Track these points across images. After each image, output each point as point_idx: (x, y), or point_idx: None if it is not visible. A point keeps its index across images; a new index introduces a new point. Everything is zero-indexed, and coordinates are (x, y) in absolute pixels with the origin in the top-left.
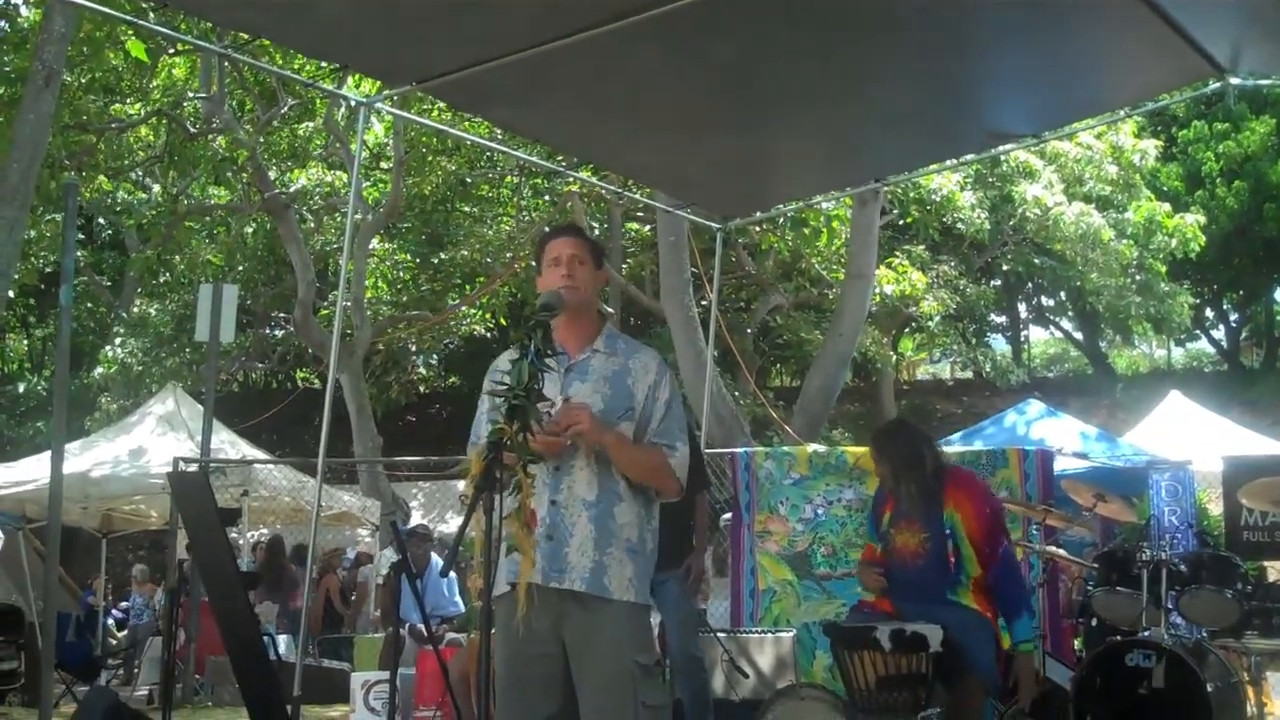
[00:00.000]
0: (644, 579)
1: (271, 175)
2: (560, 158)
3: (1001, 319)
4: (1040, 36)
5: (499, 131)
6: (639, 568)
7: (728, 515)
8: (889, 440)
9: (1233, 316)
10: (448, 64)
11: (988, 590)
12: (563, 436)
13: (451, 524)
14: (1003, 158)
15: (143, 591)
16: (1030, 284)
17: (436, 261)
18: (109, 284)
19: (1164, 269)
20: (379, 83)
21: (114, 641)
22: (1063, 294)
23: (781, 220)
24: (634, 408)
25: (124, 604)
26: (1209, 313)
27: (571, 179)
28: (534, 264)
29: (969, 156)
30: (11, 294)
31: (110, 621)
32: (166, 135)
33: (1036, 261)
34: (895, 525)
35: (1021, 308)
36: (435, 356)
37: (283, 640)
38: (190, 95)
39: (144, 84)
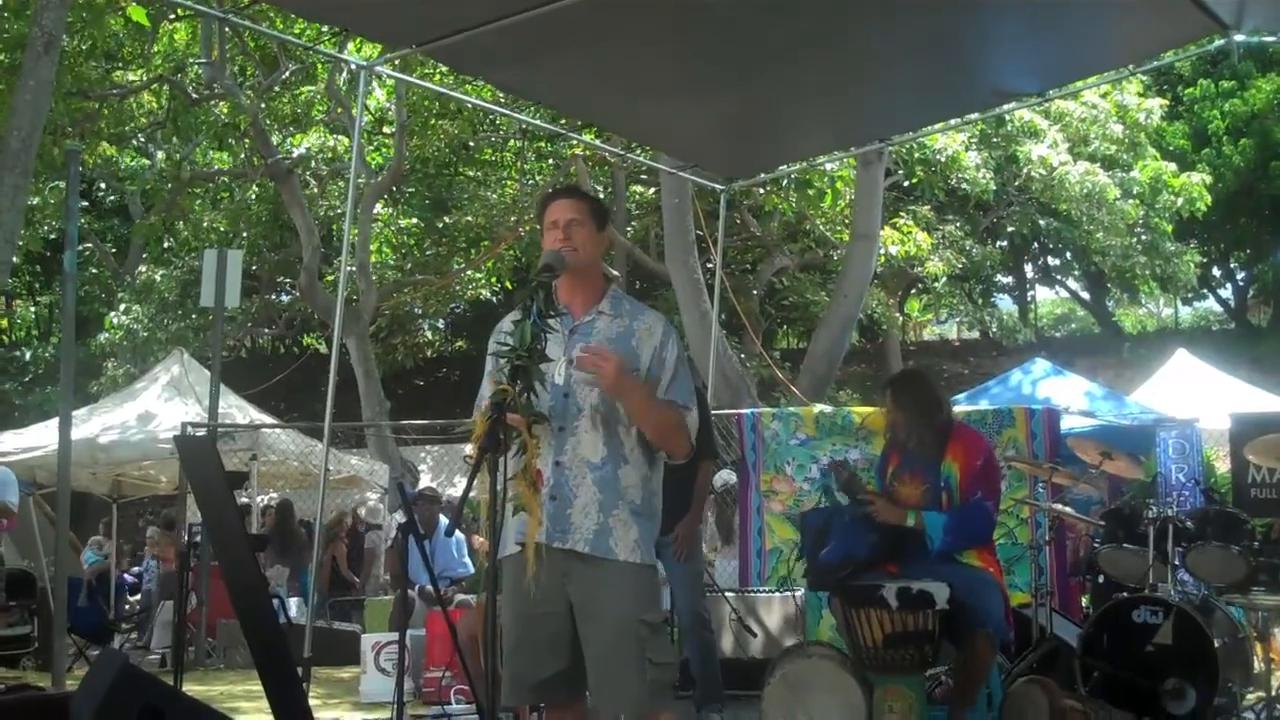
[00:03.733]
0: (649, 540)
1: (274, 140)
2: (563, 120)
3: (1008, 279)
4: None
5: (501, 95)
6: (644, 529)
7: (725, 473)
8: (903, 388)
9: (1240, 275)
10: (448, 26)
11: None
12: (587, 370)
13: (460, 486)
14: (1007, 117)
15: (155, 555)
16: (1036, 244)
17: (441, 226)
18: (114, 251)
19: (1170, 228)
20: (380, 46)
21: (126, 606)
22: (1069, 254)
23: (785, 181)
24: (639, 370)
25: (136, 568)
26: (1216, 271)
27: (575, 142)
28: (538, 226)
29: (974, 115)
30: (17, 261)
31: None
32: (168, 101)
33: (1042, 222)
34: (899, 478)
35: (1028, 268)
36: (441, 321)
37: (293, 603)
38: (191, 61)
39: (145, 50)
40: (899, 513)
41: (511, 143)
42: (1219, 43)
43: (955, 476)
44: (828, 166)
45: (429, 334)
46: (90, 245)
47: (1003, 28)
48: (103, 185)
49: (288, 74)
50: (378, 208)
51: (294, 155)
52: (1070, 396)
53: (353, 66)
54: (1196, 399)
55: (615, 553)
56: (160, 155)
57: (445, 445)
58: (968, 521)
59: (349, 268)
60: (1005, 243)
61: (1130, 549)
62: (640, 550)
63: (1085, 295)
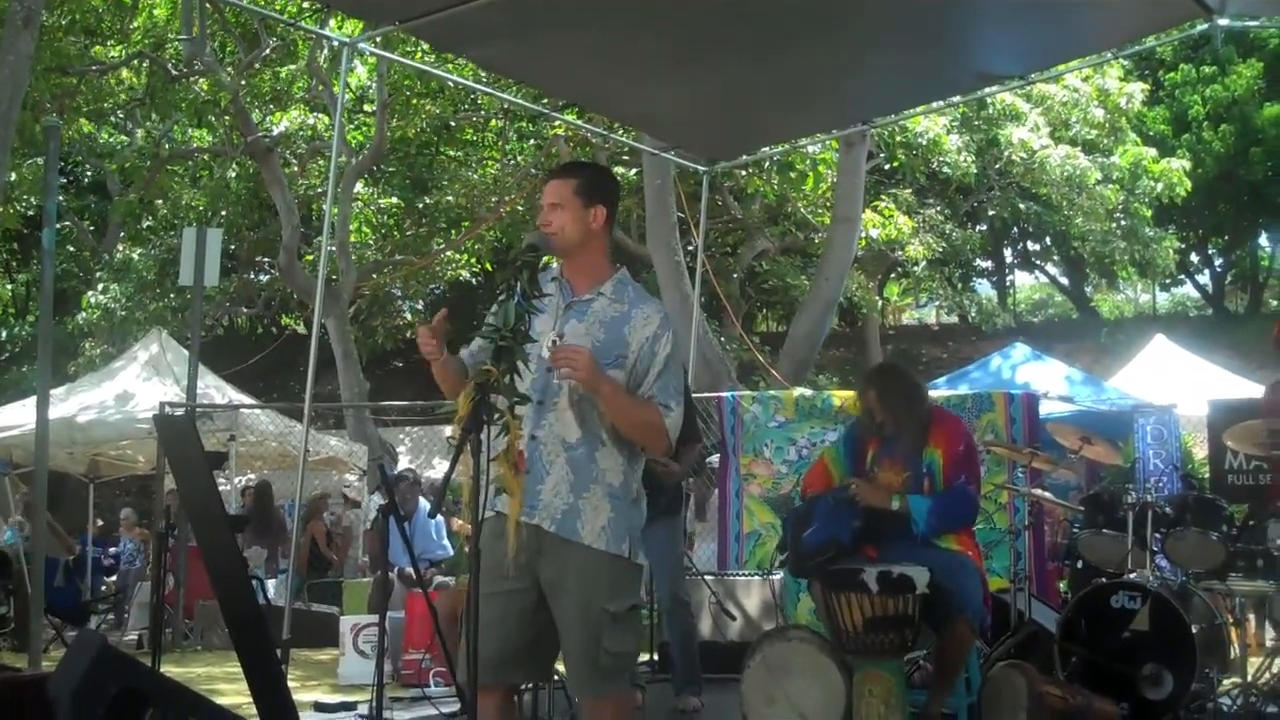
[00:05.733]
0: (623, 527)
1: (254, 118)
2: (545, 100)
3: (987, 263)
4: None
5: (483, 74)
6: (619, 513)
7: (715, 458)
8: (888, 382)
9: (1218, 261)
10: (431, 3)
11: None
12: (556, 372)
13: (438, 469)
14: (989, 100)
15: (132, 536)
16: (1016, 228)
17: (421, 206)
18: (92, 229)
19: (1149, 213)
20: (361, 23)
21: (103, 587)
22: (1048, 238)
23: (768, 164)
24: (625, 356)
25: (113, 549)
26: (1194, 257)
27: (557, 122)
28: (519, 208)
29: (956, 98)
30: None
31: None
32: (148, 77)
33: (1022, 206)
34: (879, 463)
35: (1007, 252)
36: (420, 302)
37: (272, 584)
38: (171, 37)
39: (125, 25)
40: (883, 495)
41: (493, 122)
42: (1202, 27)
43: (938, 463)
44: (810, 149)
45: (409, 315)
46: (68, 223)
47: (985, 10)
48: (79, 158)
49: (268, 51)
50: (358, 187)
51: (274, 133)
52: (1049, 382)
53: (335, 43)
54: (1174, 385)
55: (580, 536)
56: (139, 132)
57: (425, 427)
58: (953, 505)
59: (329, 247)
60: (985, 227)
61: (1109, 534)
62: (607, 536)
63: (1064, 280)
